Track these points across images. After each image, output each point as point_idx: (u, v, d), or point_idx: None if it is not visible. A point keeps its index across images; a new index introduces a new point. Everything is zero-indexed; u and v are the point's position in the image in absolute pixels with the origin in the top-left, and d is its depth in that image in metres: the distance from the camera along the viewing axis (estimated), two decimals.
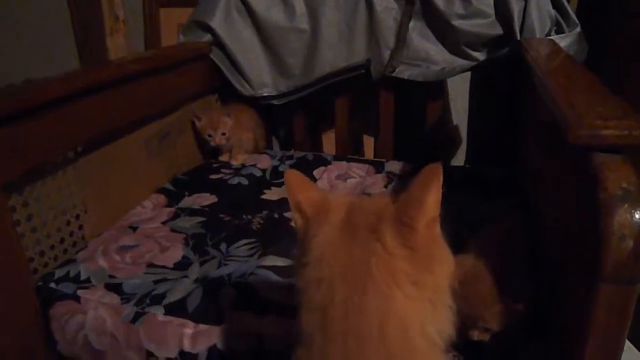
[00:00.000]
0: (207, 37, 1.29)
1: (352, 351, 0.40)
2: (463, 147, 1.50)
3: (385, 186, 1.19)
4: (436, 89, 1.29)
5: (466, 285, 0.63)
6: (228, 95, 1.36)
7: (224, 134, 1.26)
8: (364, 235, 0.43)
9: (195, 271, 0.85)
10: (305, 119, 1.43)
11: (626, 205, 0.44)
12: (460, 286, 0.63)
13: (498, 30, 1.11)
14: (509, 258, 0.67)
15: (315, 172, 1.24)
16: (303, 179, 0.50)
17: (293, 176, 0.49)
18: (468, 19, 1.13)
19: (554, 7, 1.08)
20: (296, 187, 0.48)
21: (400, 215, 0.42)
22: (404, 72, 1.23)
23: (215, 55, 1.29)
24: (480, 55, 1.15)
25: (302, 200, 0.47)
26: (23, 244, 0.82)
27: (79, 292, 0.79)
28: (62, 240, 0.91)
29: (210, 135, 1.26)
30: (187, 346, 0.72)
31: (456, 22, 1.13)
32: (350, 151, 1.42)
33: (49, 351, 0.81)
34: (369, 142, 1.52)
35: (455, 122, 1.54)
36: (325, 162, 1.29)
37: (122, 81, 0.95)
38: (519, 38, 1.08)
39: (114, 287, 0.80)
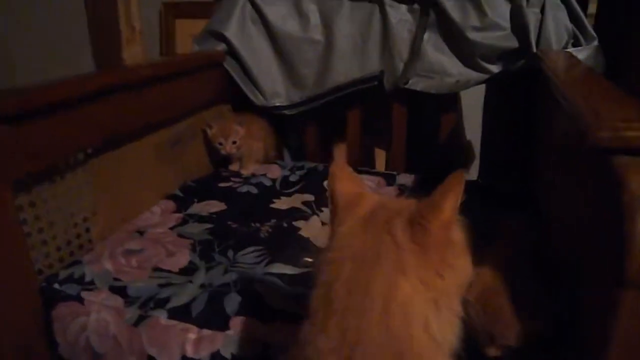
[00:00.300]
0: (221, 47, 1.30)
1: (350, 327, 0.41)
2: (476, 160, 1.48)
3: (396, 197, 1.17)
4: (449, 101, 1.28)
5: (485, 300, 0.61)
6: (240, 104, 1.36)
7: (234, 142, 1.25)
8: (379, 227, 0.44)
9: (200, 277, 0.84)
10: (317, 130, 1.42)
11: None
12: (479, 301, 0.61)
13: (513, 43, 1.10)
14: (526, 271, 0.64)
15: (325, 183, 1.23)
16: (347, 171, 0.52)
17: (336, 167, 0.52)
18: (483, 32, 1.12)
19: (571, 21, 1.07)
20: (336, 178, 0.51)
21: (415, 214, 0.44)
22: (417, 84, 1.22)
23: (229, 65, 1.29)
24: (495, 68, 1.14)
25: (337, 190, 0.50)
26: (29, 244, 0.82)
27: (83, 294, 0.78)
28: (69, 243, 0.91)
29: (220, 144, 1.25)
30: (189, 352, 0.70)
31: (471, 35, 1.13)
32: (362, 164, 1.40)
33: (49, 353, 0.79)
34: (380, 156, 1.50)
35: (468, 135, 1.52)
36: None
37: (134, 85, 0.96)
38: (535, 50, 1.06)
39: (118, 290, 0.79)
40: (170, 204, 1.10)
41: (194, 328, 0.71)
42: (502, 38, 1.11)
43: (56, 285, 0.79)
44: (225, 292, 0.78)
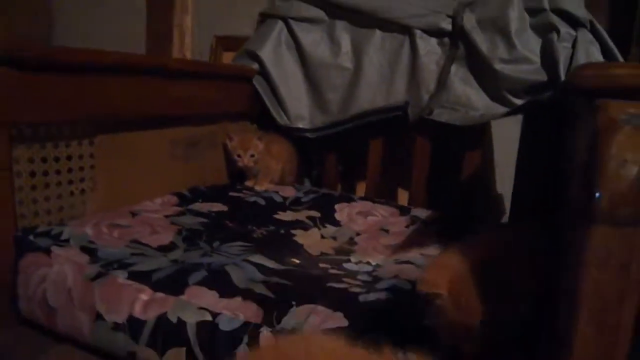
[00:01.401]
0: (255, 66, 1.34)
1: None
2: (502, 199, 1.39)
3: (407, 226, 1.10)
4: (474, 138, 1.23)
5: (457, 292, 0.53)
6: (266, 125, 1.37)
7: (252, 155, 1.25)
8: None
9: (176, 254, 0.80)
10: (337, 161, 1.40)
11: (630, 127, 0.36)
12: (451, 293, 0.53)
13: (542, 77, 1.06)
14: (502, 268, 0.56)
15: (337, 207, 1.18)
16: None
17: None
18: (511, 64, 1.10)
19: (604, 56, 1.02)
20: None
21: None
22: (442, 115, 1.19)
23: (258, 82, 1.33)
24: (521, 102, 1.09)
25: None
26: (17, 197, 0.82)
27: (52, 248, 0.76)
28: (60, 208, 0.90)
29: (239, 156, 1.25)
30: (137, 312, 0.65)
31: (498, 66, 1.10)
32: (382, 198, 1.35)
33: (10, 306, 0.76)
34: (403, 194, 1.45)
35: (499, 189, 1.45)
36: (350, 200, 1.23)
37: (154, 71, 0.99)
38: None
39: (89, 250, 0.76)
40: (174, 199, 1.09)
41: (149, 290, 0.67)
42: (531, 72, 1.08)
43: (30, 237, 0.78)
44: (195, 270, 0.73)
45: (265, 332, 0.59)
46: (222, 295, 0.67)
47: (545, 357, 0.46)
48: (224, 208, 1.08)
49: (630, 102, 0.38)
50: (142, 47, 1.86)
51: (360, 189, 1.46)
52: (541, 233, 0.61)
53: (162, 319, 0.63)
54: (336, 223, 1.11)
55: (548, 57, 1.06)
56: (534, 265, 0.54)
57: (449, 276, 0.54)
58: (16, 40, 0.81)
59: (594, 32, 1.04)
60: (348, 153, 1.42)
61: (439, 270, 0.55)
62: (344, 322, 0.62)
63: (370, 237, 1.04)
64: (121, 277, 0.69)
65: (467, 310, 0.52)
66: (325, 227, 1.08)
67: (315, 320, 0.62)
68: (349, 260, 0.91)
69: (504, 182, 1.47)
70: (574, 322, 0.36)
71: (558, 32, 1.05)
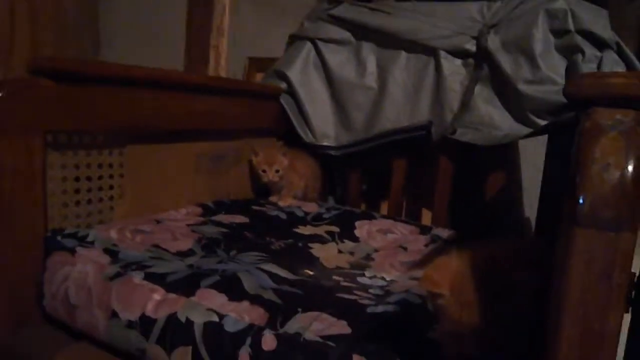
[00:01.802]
0: (283, 85, 1.38)
1: None
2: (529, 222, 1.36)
3: (426, 245, 1.09)
4: (499, 157, 1.22)
5: (458, 291, 0.53)
6: (291, 142, 1.41)
7: (277, 171, 1.28)
8: None
9: (192, 260, 0.83)
10: (361, 180, 1.42)
11: (615, 132, 0.36)
12: (454, 292, 0.53)
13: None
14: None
15: (357, 223, 1.19)
16: None
17: None
18: (535, 85, 1.09)
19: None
20: None
21: None
22: (465, 135, 1.19)
23: (285, 100, 1.37)
24: (544, 123, 1.08)
25: None
26: (49, 201, 0.87)
27: (77, 248, 0.80)
28: (89, 214, 0.95)
29: (264, 171, 1.28)
30: (149, 311, 0.67)
31: (522, 87, 1.10)
32: (404, 217, 1.35)
33: (37, 305, 0.81)
34: (427, 215, 1.44)
35: (523, 195, 1.42)
36: (371, 217, 1.24)
37: (180, 86, 1.04)
38: None
39: (111, 252, 0.80)
40: (198, 210, 1.13)
41: (162, 290, 0.70)
42: (555, 92, 1.07)
43: (58, 238, 0.83)
44: (209, 275, 0.76)
45: (267, 335, 0.61)
46: (231, 299, 0.68)
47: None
48: (245, 220, 1.11)
49: (619, 109, 0.38)
50: (181, 68, 1.95)
51: (384, 208, 1.46)
52: (546, 244, 0.60)
53: (171, 318, 0.66)
54: (355, 239, 1.11)
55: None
56: (536, 269, 0.53)
57: (451, 275, 0.54)
58: (57, 56, 0.87)
59: (620, 53, 1.03)
60: (372, 172, 1.43)
61: (441, 269, 0.55)
62: (347, 330, 0.62)
63: (388, 254, 1.04)
64: (137, 277, 0.72)
65: (469, 308, 0.52)
66: (344, 242, 1.09)
67: (319, 326, 0.62)
68: (363, 275, 0.92)
69: (532, 205, 1.45)
70: (560, 326, 0.36)
71: (583, 53, 1.04)
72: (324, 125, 1.38)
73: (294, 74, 1.37)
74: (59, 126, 0.85)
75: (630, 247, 0.34)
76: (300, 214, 1.24)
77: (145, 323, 0.67)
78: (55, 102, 0.83)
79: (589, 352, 0.35)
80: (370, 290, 0.82)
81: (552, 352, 0.37)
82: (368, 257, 1.02)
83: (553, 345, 0.37)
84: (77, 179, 0.93)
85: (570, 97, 0.43)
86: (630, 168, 0.34)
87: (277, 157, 1.29)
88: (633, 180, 0.34)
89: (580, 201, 0.35)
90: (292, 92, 1.38)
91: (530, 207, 1.49)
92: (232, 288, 0.71)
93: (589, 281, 0.35)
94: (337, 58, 1.35)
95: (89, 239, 0.84)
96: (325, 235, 1.10)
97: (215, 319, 0.64)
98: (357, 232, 1.15)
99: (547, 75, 1.08)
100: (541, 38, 1.10)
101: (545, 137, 1.14)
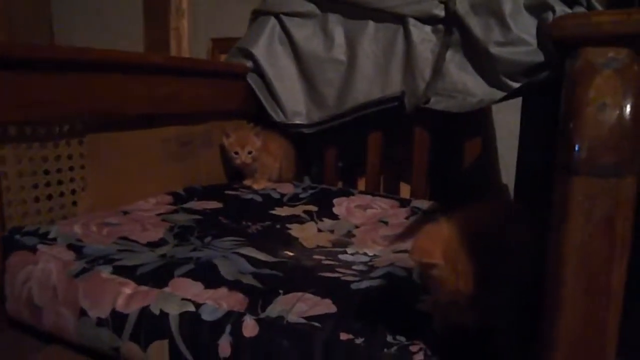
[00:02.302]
0: (249, 64, 1.33)
1: None
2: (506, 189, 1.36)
3: (407, 218, 1.07)
4: (474, 124, 1.20)
5: (452, 259, 0.50)
6: (262, 123, 1.36)
7: (250, 152, 1.23)
8: None
9: (164, 249, 0.78)
10: (337, 157, 1.38)
11: (610, 71, 0.33)
12: (448, 261, 0.50)
13: (539, 58, 1.03)
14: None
15: (335, 201, 1.16)
16: None
17: None
18: (507, 47, 1.07)
19: None
20: None
21: None
22: (439, 103, 1.16)
23: (252, 80, 1.31)
24: (518, 85, 1.06)
25: None
26: (5, 199, 0.81)
27: (38, 246, 0.74)
28: (50, 209, 0.90)
29: (237, 153, 1.23)
30: (120, 306, 0.63)
31: (494, 50, 1.07)
32: (382, 192, 1.32)
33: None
34: (406, 189, 1.42)
35: (499, 162, 1.41)
36: (349, 194, 1.21)
37: (138, 68, 0.98)
38: None
39: (75, 248, 0.75)
40: (168, 198, 1.08)
41: (132, 284, 0.65)
42: (527, 53, 1.05)
43: (17, 236, 0.77)
44: (182, 263, 0.71)
45: (248, 320, 0.57)
46: (208, 286, 0.65)
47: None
48: (219, 205, 1.07)
49: (610, 47, 0.35)
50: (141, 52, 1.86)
51: (362, 184, 1.43)
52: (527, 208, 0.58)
53: (144, 311, 0.61)
54: (334, 216, 1.08)
55: (544, 37, 1.03)
56: (531, 232, 0.50)
57: (443, 243, 0.50)
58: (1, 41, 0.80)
59: (590, 8, 1.01)
60: (347, 148, 1.39)
61: (431, 237, 0.51)
62: (333, 308, 0.59)
63: (368, 229, 1.01)
64: (105, 272, 0.68)
65: (466, 276, 0.48)
66: (323, 220, 1.05)
67: (302, 307, 0.59)
68: (345, 252, 0.89)
69: (509, 171, 1.44)
70: (561, 283, 0.34)
71: (554, 10, 1.02)
72: (294, 102, 1.33)
73: (259, 51, 1.32)
74: (8, 118, 0.79)
75: (632, 194, 0.31)
76: (276, 195, 1.20)
77: (116, 319, 0.62)
78: (2, 92, 0.76)
79: (594, 308, 0.33)
80: (354, 267, 0.79)
81: (554, 310, 0.34)
82: (349, 234, 0.99)
83: (555, 304, 0.34)
84: (34, 174, 0.86)
85: (556, 40, 0.40)
86: (628, 107, 0.31)
87: (250, 138, 1.24)
88: (632, 120, 0.31)
89: (577, 148, 0.32)
90: (258, 70, 1.32)
91: (507, 172, 1.48)
92: (208, 275, 0.67)
93: (590, 233, 0.32)
94: (303, 32, 1.30)
95: (51, 235, 0.78)
96: (303, 215, 1.06)
97: (192, 308, 0.60)
98: (335, 210, 1.12)
99: (518, 36, 1.06)
100: None
101: (518, 100, 1.12)
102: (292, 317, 0.57)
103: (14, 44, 0.80)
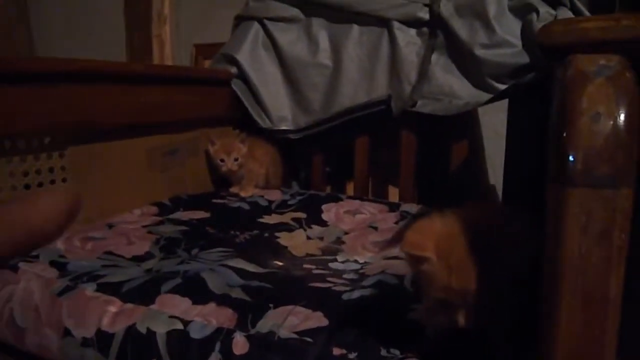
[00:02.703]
0: (233, 69, 1.31)
1: None
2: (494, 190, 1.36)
3: (396, 222, 1.06)
4: (460, 127, 1.19)
5: (445, 255, 0.48)
6: (248, 129, 1.34)
7: (236, 159, 1.22)
8: None
9: (151, 263, 0.77)
10: (324, 162, 1.37)
11: (602, 79, 0.32)
12: (439, 257, 0.48)
13: (524, 59, 1.03)
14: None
15: (324, 207, 1.15)
16: None
17: None
18: (492, 49, 1.07)
19: None
20: None
21: None
22: (425, 106, 1.16)
23: (237, 86, 1.30)
24: (504, 87, 1.06)
25: None
26: None
27: (20, 264, 0.72)
28: None
29: (222, 160, 1.22)
30: (105, 325, 0.61)
31: (479, 52, 1.07)
32: (370, 196, 1.32)
33: None
34: (394, 193, 1.41)
35: (486, 163, 1.42)
36: (338, 199, 1.20)
37: (122, 78, 0.96)
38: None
39: (58, 265, 0.73)
40: (154, 209, 1.06)
41: (118, 302, 0.63)
42: (513, 55, 1.05)
43: None
44: (169, 278, 0.70)
45: (238, 337, 0.56)
46: (196, 302, 0.63)
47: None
48: (206, 215, 1.05)
49: (600, 54, 0.34)
50: (123, 60, 1.84)
51: (350, 188, 1.42)
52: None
53: (131, 330, 0.59)
54: (323, 223, 1.07)
55: (528, 39, 1.03)
56: (525, 233, 0.50)
57: (435, 237, 0.48)
58: None
59: (574, 9, 1.01)
60: (335, 153, 1.38)
61: (423, 232, 0.49)
62: (324, 322, 0.58)
63: (358, 235, 1.00)
64: (89, 289, 0.66)
65: (459, 272, 0.47)
66: (311, 227, 1.04)
67: (293, 321, 0.58)
68: (335, 260, 0.88)
69: (496, 172, 1.44)
70: (558, 297, 0.33)
71: (537, 12, 1.02)
72: (280, 108, 1.32)
73: (243, 56, 1.31)
74: None
75: (629, 205, 0.31)
76: (264, 203, 1.19)
77: (102, 339, 0.60)
78: None
79: (592, 322, 0.32)
80: (345, 276, 0.78)
81: (552, 325, 0.33)
82: (338, 241, 0.98)
83: (552, 319, 0.33)
84: (14, 188, 0.84)
85: (543, 47, 0.39)
86: (622, 116, 0.31)
87: (235, 145, 1.22)
88: (627, 129, 0.31)
89: (571, 159, 0.31)
90: (243, 76, 1.31)
91: (494, 173, 1.48)
92: (195, 290, 0.66)
93: (586, 246, 0.31)
94: (287, 37, 1.29)
95: (33, 252, 0.76)
96: (291, 222, 1.05)
97: (180, 326, 0.58)
98: (324, 216, 1.11)
99: (503, 38, 1.06)
100: (494, 0, 1.07)
101: (505, 101, 1.12)
102: (284, 332, 0.56)
103: None
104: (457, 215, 0.50)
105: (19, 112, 0.81)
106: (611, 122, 0.31)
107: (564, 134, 0.32)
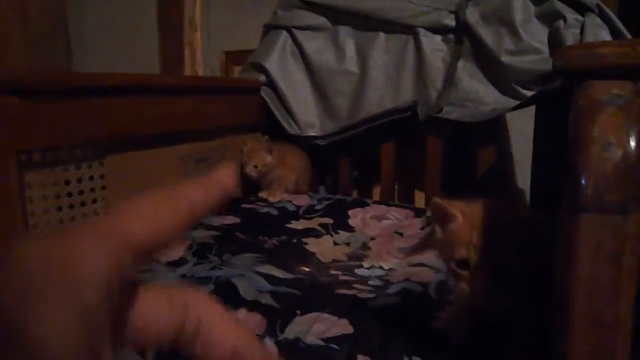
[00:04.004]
0: (262, 77, 1.34)
1: None
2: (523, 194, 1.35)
3: (422, 228, 1.08)
4: (487, 132, 1.20)
5: (469, 219, 0.54)
6: (277, 136, 1.38)
7: (255, 167, 1.25)
8: None
9: (185, 269, 0.80)
10: (351, 167, 1.39)
11: (614, 108, 0.34)
12: (464, 217, 0.54)
13: (551, 66, 1.03)
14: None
15: (351, 212, 1.17)
16: None
17: None
18: (518, 55, 1.07)
19: (614, 38, 0.98)
20: None
21: None
22: (451, 112, 1.16)
23: (266, 93, 1.33)
24: (531, 93, 1.06)
25: None
26: (30, 222, 0.84)
27: None
28: None
29: (246, 163, 1.26)
30: None
31: (506, 59, 1.07)
32: (398, 201, 1.33)
33: None
34: (421, 197, 1.42)
35: (515, 167, 1.41)
36: (364, 204, 1.22)
37: (155, 90, 1.00)
38: None
39: None
40: None
41: None
42: (539, 61, 1.05)
43: None
44: (202, 284, 0.73)
45: (267, 343, 0.59)
46: (228, 307, 0.66)
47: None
48: (236, 220, 1.09)
49: (615, 81, 0.36)
50: (157, 68, 1.90)
51: (377, 193, 1.44)
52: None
53: None
54: (349, 229, 1.10)
55: (556, 46, 1.03)
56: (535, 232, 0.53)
57: (460, 207, 0.55)
58: (22, 71, 0.83)
59: (602, 15, 1.01)
60: (362, 158, 1.40)
61: (451, 204, 0.55)
62: (350, 329, 0.60)
63: (384, 241, 1.02)
64: None
65: (480, 231, 0.52)
66: (338, 233, 1.07)
67: (319, 328, 0.61)
68: (361, 266, 0.90)
69: (525, 177, 1.43)
70: (569, 319, 0.34)
71: (565, 19, 1.02)
72: (307, 115, 1.35)
73: (271, 65, 1.34)
74: (32, 145, 0.82)
75: (638, 230, 0.32)
76: (291, 208, 1.22)
77: None
78: (25, 120, 0.79)
79: (602, 344, 0.33)
80: (370, 282, 0.80)
81: (562, 345, 0.35)
82: (364, 247, 1.00)
83: (564, 338, 0.35)
84: (57, 197, 0.89)
85: (559, 71, 0.41)
86: (632, 145, 0.32)
87: (259, 154, 1.26)
88: (636, 158, 0.32)
89: (583, 185, 0.33)
90: (271, 84, 1.34)
91: (523, 178, 1.47)
92: (227, 296, 0.69)
93: (597, 270, 0.33)
94: (314, 45, 1.32)
95: None
96: (319, 228, 1.08)
97: None
98: (351, 222, 1.13)
99: (529, 45, 1.06)
100: (520, 7, 1.08)
101: (534, 106, 1.12)
102: (310, 339, 0.58)
103: (34, 73, 0.83)
104: (479, 201, 0.54)
105: (61, 125, 0.86)
106: (621, 152, 0.32)
107: (577, 159, 0.33)
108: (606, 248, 0.33)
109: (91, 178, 0.95)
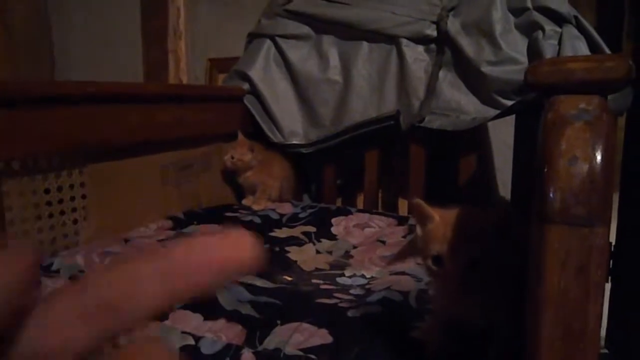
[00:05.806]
0: (246, 86, 1.35)
1: None
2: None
3: (404, 236, 1.08)
4: (468, 141, 1.21)
5: (446, 218, 0.56)
6: (263, 144, 1.37)
7: (232, 157, 1.26)
8: None
9: None
10: (335, 176, 1.40)
11: (581, 123, 0.34)
12: (442, 218, 0.56)
13: None
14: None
15: (334, 220, 1.17)
16: None
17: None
18: (499, 66, 1.08)
19: (591, 52, 1.01)
20: None
21: None
22: (433, 121, 1.18)
23: (249, 101, 1.33)
24: (510, 103, 1.08)
25: None
26: (8, 231, 0.83)
27: (42, 279, 0.76)
28: (53, 240, 0.91)
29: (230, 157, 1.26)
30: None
31: (486, 69, 1.09)
32: (381, 209, 1.34)
33: None
34: (404, 206, 1.43)
35: (496, 175, 1.43)
36: (347, 213, 1.22)
37: (137, 98, 1.00)
38: None
39: (77, 279, 0.76)
40: (168, 223, 1.09)
41: None
42: (519, 72, 1.06)
43: None
44: None
45: (246, 353, 0.58)
46: (207, 317, 0.66)
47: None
48: (218, 229, 1.08)
49: (583, 95, 0.36)
50: (140, 74, 1.89)
51: (361, 201, 1.45)
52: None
53: None
54: (332, 237, 1.10)
55: (535, 56, 1.05)
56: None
57: (437, 211, 0.57)
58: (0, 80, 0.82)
59: (579, 27, 1.03)
60: (345, 166, 1.41)
61: (429, 207, 0.57)
62: (329, 339, 0.60)
63: (366, 249, 1.03)
64: None
65: (454, 230, 0.53)
66: (321, 241, 1.07)
67: (299, 338, 0.61)
68: (343, 275, 0.90)
69: (506, 183, 1.45)
70: (538, 328, 0.35)
71: (543, 30, 1.04)
72: (291, 123, 1.35)
73: (255, 73, 1.34)
74: (11, 153, 0.81)
75: (605, 242, 0.33)
76: (275, 216, 1.22)
77: None
78: (3, 128, 0.78)
79: (571, 353, 0.34)
80: (351, 291, 0.80)
81: (532, 354, 0.35)
82: (347, 255, 1.00)
83: (533, 348, 0.35)
84: (36, 205, 0.88)
85: (530, 85, 0.41)
86: (598, 159, 0.33)
87: (240, 148, 1.26)
88: (602, 172, 0.33)
89: (551, 198, 0.34)
90: (255, 92, 1.34)
91: (504, 185, 1.49)
92: (207, 306, 0.69)
93: (565, 281, 0.33)
94: (298, 53, 1.33)
95: (54, 267, 0.80)
96: (301, 236, 1.08)
97: (192, 342, 0.62)
98: (334, 230, 1.13)
99: (509, 55, 1.08)
100: (500, 18, 1.09)
101: (514, 116, 1.14)
102: (290, 350, 0.58)
103: (14, 82, 0.82)
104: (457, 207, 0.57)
105: (41, 134, 0.85)
106: (587, 166, 0.33)
107: (544, 172, 0.34)
108: (574, 260, 0.33)
109: (71, 186, 0.94)
